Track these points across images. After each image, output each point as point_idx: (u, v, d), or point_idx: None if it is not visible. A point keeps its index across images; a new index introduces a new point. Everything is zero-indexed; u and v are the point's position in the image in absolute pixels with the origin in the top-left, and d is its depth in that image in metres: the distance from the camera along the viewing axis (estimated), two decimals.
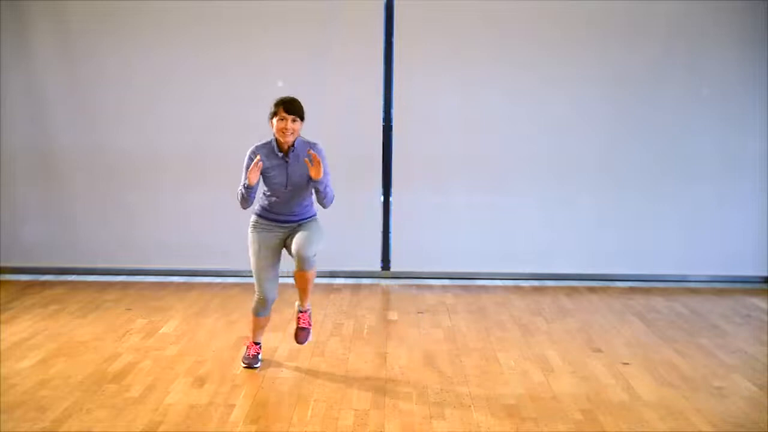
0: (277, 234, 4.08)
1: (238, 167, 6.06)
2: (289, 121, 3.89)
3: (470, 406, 3.69)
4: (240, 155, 6.08)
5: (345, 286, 6.02)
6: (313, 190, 4.04)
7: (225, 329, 4.88)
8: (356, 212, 6.12)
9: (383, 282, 6.17)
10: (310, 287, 4.07)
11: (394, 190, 6.18)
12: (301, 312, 4.14)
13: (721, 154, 6.12)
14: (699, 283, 6.22)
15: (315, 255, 3.91)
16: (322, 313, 5.26)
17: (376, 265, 6.30)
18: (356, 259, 6.27)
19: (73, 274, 6.24)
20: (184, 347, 4.51)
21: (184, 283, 6.08)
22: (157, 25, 6.03)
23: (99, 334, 4.74)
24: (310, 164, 3.85)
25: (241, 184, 3.96)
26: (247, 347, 4.28)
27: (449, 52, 6.04)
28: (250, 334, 4.30)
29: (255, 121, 6.11)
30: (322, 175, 3.87)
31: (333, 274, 6.18)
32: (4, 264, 6.24)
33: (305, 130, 4.05)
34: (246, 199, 3.98)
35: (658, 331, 4.95)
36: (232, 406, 3.67)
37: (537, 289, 6.00)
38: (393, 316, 5.24)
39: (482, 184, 6.17)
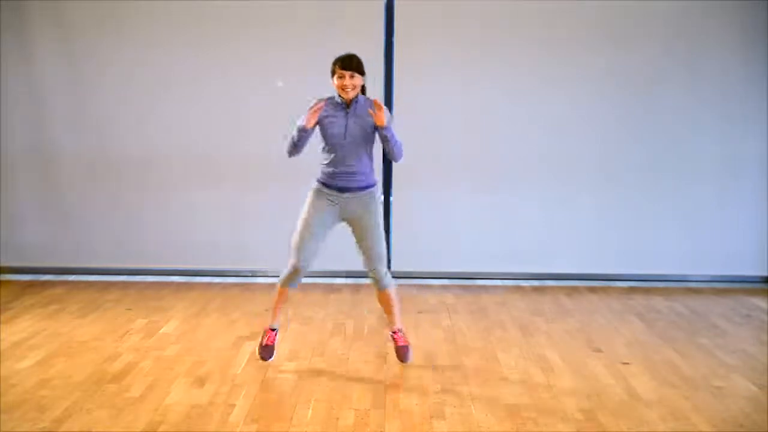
0: (334, 204, 4.04)
1: (238, 167, 6.15)
2: (347, 77, 3.91)
3: (470, 406, 3.69)
4: (239, 154, 6.17)
5: (345, 286, 6.02)
6: (382, 147, 4.02)
7: (225, 329, 4.88)
8: None
9: None
10: (395, 303, 4.13)
11: (394, 189, 6.17)
12: (394, 333, 4.19)
13: (721, 154, 6.11)
14: (699, 283, 6.22)
15: (388, 272, 4.05)
16: (322, 312, 5.26)
17: None
18: (356, 259, 6.24)
19: (73, 274, 6.24)
20: (184, 347, 4.51)
21: (184, 283, 6.08)
22: (157, 25, 6.02)
23: (99, 334, 4.74)
24: (373, 113, 3.86)
25: (296, 127, 3.90)
26: (264, 334, 4.23)
27: (449, 52, 6.03)
28: (271, 310, 4.23)
29: (255, 120, 6.15)
30: (387, 120, 3.89)
31: (333, 274, 6.18)
32: (4, 264, 6.24)
33: None
34: (296, 145, 3.92)
35: (658, 331, 4.95)
36: (233, 406, 3.67)
37: (537, 289, 6.00)
38: None
39: (482, 183, 6.16)
